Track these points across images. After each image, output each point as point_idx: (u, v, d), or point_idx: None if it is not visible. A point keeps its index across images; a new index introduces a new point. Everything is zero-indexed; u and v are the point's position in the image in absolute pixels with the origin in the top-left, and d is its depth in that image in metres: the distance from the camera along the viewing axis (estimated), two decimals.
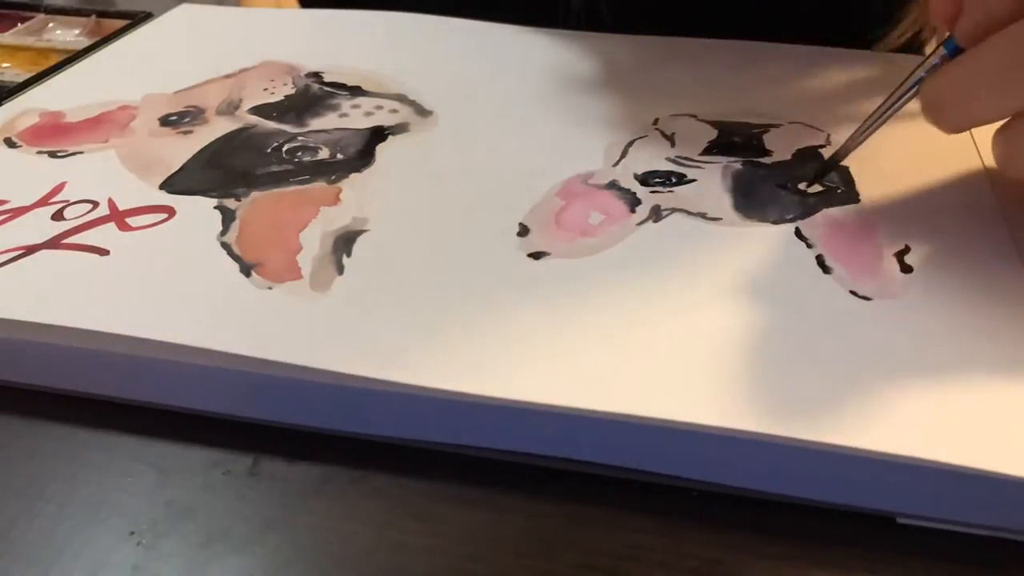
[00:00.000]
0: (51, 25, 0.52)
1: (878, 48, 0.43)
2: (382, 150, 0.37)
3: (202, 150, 0.37)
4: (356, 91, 0.41)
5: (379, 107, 0.40)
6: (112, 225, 0.32)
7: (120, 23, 0.50)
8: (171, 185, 0.34)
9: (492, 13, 0.47)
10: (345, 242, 0.31)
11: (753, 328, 0.27)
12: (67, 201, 0.33)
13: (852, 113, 0.38)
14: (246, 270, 0.29)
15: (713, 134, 0.37)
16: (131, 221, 0.32)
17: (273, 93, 0.41)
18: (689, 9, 0.47)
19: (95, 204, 0.33)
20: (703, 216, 0.32)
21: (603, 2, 0.47)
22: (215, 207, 0.33)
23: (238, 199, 0.33)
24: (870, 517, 0.24)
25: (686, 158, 0.35)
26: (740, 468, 0.24)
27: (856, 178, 0.34)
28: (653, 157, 0.36)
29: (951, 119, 0.29)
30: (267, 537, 0.23)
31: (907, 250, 0.30)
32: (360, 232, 0.31)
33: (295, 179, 0.35)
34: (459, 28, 0.47)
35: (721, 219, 0.32)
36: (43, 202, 0.33)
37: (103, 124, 0.39)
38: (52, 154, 0.37)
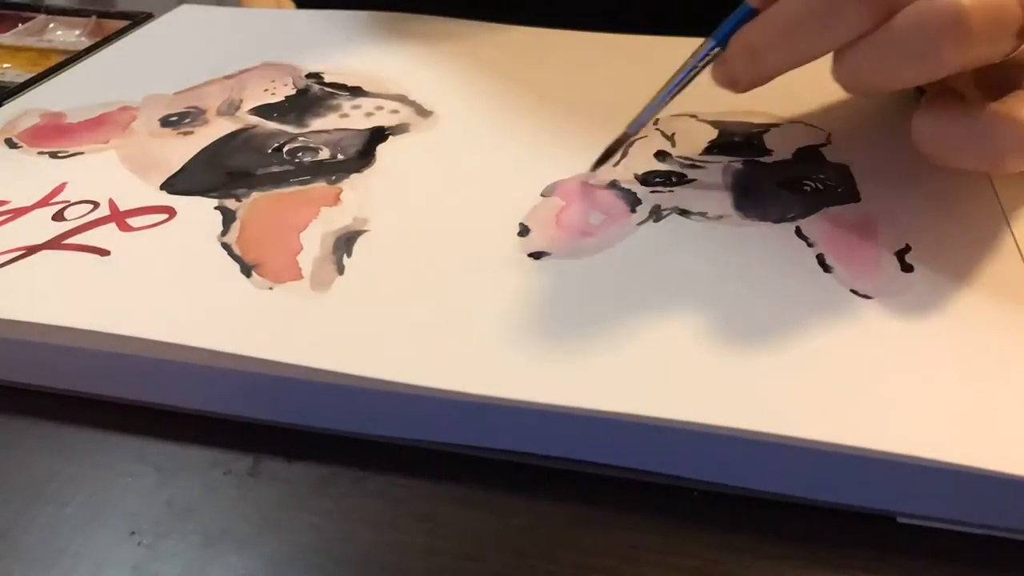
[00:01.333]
0: (52, 26, 0.52)
1: None
2: (382, 150, 0.37)
3: (202, 151, 0.37)
4: (356, 91, 0.41)
5: (380, 107, 0.40)
6: (113, 225, 0.32)
7: (120, 23, 0.51)
8: (171, 185, 0.34)
9: (492, 13, 0.47)
10: (345, 242, 0.31)
11: (753, 327, 0.27)
12: (68, 201, 0.33)
13: (852, 112, 0.38)
14: (247, 270, 0.29)
15: (713, 134, 0.37)
16: (132, 221, 0.32)
17: (273, 94, 0.41)
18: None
19: (96, 204, 0.33)
20: (704, 216, 0.32)
21: None
22: (215, 207, 0.33)
23: (238, 199, 0.33)
24: (870, 517, 0.24)
25: (686, 158, 0.35)
26: (740, 468, 0.24)
27: (856, 177, 0.34)
28: (653, 157, 0.36)
29: (758, 67, 0.30)
30: (267, 537, 0.23)
31: (908, 249, 0.30)
32: (360, 232, 0.31)
33: (295, 179, 0.35)
34: (459, 28, 0.47)
35: (722, 218, 0.32)
36: (44, 202, 0.33)
37: (104, 125, 0.39)
38: (53, 155, 0.37)
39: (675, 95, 0.33)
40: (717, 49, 0.31)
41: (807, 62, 0.29)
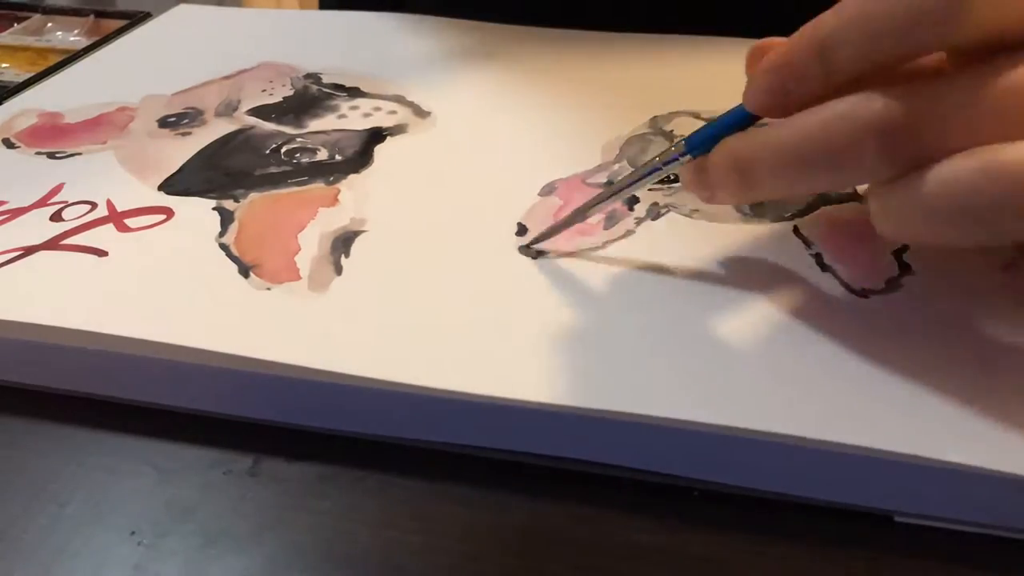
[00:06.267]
0: (50, 25, 0.52)
1: None
2: (380, 151, 0.37)
3: (200, 151, 0.37)
4: (354, 92, 0.41)
5: (377, 108, 0.40)
6: (111, 226, 0.32)
7: (119, 23, 0.50)
8: (169, 186, 0.34)
9: (490, 13, 0.47)
10: (343, 243, 0.31)
11: (751, 327, 0.27)
12: (65, 202, 0.33)
13: None
14: (245, 271, 0.29)
15: None
16: (129, 222, 0.32)
17: (272, 94, 0.41)
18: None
19: (93, 205, 0.33)
20: (702, 214, 0.32)
21: None
22: (214, 208, 0.33)
23: (236, 200, 0.33)
24: (869, 516, 0.24)
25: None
26: (740, 468, 0.24)
27: None
28: (651, 155, 0.35)
29: (745, 189, 0.25)
30: (267, 537, 0.23)
31: (906, 248, 0.30)
32: (358, 233, 0.31)
33: (293, 180, 0.35)
34: (457, 28, 0.47)
35: (719, 217, 0.32)
36: (42, 203, 0.33)
37: (102, 126, 0.39)
38: (51, 155, 0.37)
39: (625, 195, 0.29)
40: (688, 157, 0.27)
41: (809, 194, 0.25)
